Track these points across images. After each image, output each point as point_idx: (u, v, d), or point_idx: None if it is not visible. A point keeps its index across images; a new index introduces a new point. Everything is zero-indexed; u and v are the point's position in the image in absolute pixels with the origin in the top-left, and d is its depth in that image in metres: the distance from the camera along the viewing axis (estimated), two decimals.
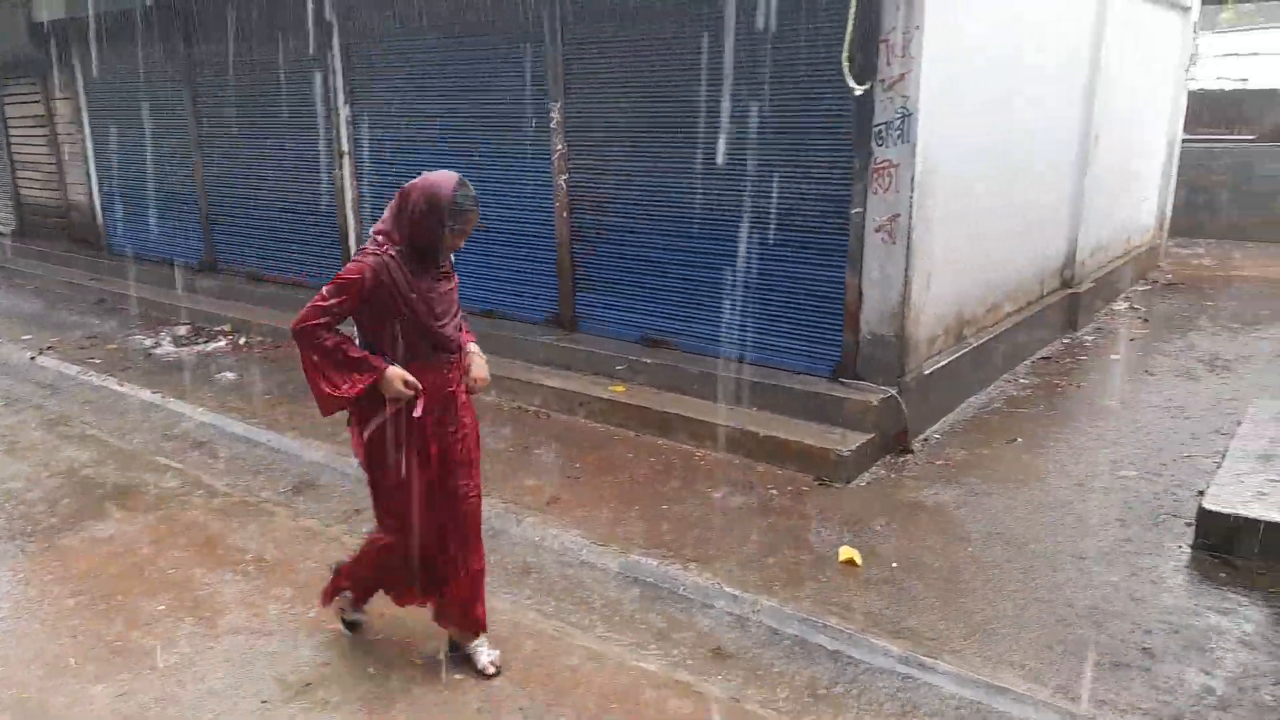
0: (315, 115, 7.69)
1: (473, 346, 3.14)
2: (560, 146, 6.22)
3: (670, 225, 5.83)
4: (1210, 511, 3.97)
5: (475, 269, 6.66)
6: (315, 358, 2.91)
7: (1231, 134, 13.50)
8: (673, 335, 5.90)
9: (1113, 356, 6.87)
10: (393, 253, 2.89)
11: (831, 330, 5.28)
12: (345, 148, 7.60)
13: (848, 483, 4.70)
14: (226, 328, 7.87)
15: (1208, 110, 14.04)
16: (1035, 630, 3.44)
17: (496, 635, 3.34)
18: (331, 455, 5.11)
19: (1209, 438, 5.17)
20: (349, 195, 7.70)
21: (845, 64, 4.90)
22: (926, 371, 5.34)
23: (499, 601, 3.61)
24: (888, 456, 4.99)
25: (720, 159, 5.52)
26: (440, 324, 2.99)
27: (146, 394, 6.28)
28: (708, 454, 5.07)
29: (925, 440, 5.25)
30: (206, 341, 7.61)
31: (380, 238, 2.94)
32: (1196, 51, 10.79)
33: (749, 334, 5.60)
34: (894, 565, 3.92)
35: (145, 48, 9.02)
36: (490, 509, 4.07)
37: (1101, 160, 7.56)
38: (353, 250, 7.71)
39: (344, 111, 7.52)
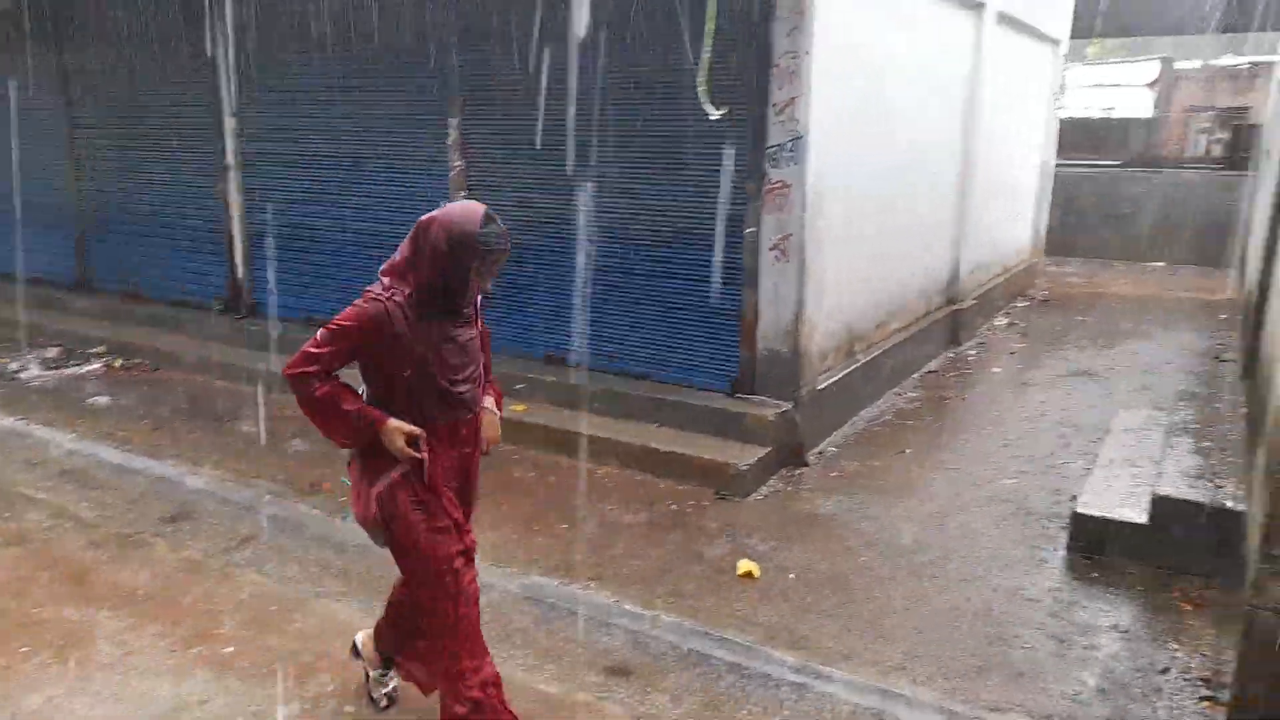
0: (200, 127, 7.39)
1: (489, 402, 2.83)
2: (459, 162, 6.16)
3: (573, 243, 5.83)
4: (1082, 515, 4.20)
5: (361, 289, 6.50)
6: (307, 407, 2.61)
7: (1099, 159, 14.41)
8: (575, 353, 5.89)
9: (994, 370, 7.21)
10: (399, 298, 2.55)
11: (729, 346, 5.37)
12: (231, 161, 7.32)
13: (747, 496, 4.78)
14: (101, 350, 7.44)
15: (1078, 137, 14.97)
16: (926, 635, 3.56)
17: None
18: (214, 482, 4.88)
19: (1082, 445, 5.47)
20: (235, 210, 7.42)
21: (701, 90, 5.05)
22: (820, 386, 5.48)
23: None
24: (785, 469, 5.10)
25: (619, 177, 5.57)
26: (455, 380, 2.65)
27: (8, 421, 5.88)
28: (610, 471, 5.07)
29: (820, 453, 5.39)
30: (79, 364, 7.18)
31: (387, 279, 2.59)
32: (1065, 82, 11.51)
33: (651, 351, 5.65)
34: (791, 576, 3.99)
35: (14, 54, 8.50)
36: None
37: (981, 183, 7.95)
38: (239, 269, 7.43)
39: (230, 123, 7.25)
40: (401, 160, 6.46)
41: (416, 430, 2.59)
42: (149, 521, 4.47)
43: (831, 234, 5.40)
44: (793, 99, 5.01)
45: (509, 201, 6.02)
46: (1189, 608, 3.71)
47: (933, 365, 7.16)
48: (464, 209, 2.54)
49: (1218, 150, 14.76)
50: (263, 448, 5.32)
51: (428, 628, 2.75)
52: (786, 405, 5.16)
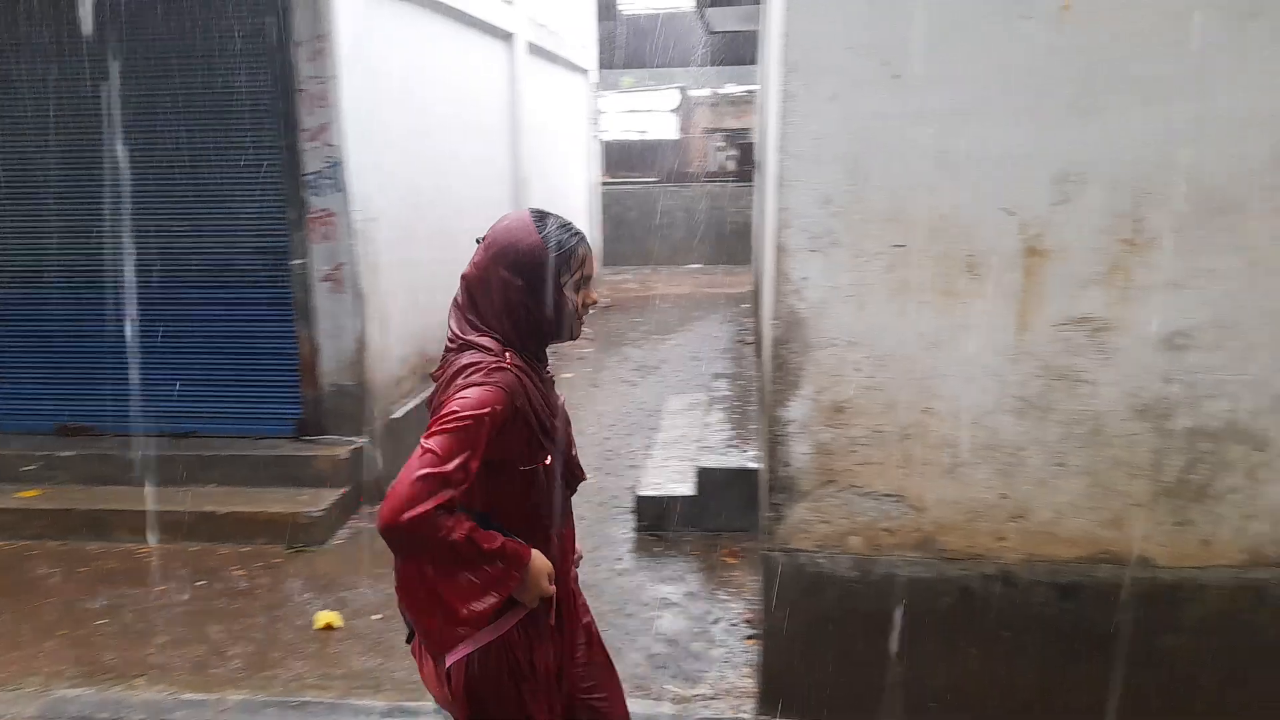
0: None
1: None
2: None
3: (97, 291, 5.01)
4: (643, 497, 4.61)
5: None
6: (432, 566, 1.78)
7: (640, 176, 16.10)
8: (100, 419, 5.07)
9: (566, 375, 7.67)
10: (518, 360, 1.81)
11: (289, 387, 5.01)
12: None
13: (324, 544, 4.50)
14: None
15: (620, 157, 16.58)
16: None
17: None
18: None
19: (645, 433, 6.02)
20: None
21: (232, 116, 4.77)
22: (397, 415, 5.36)
23: None
24: (366, 508, 4.90)
25: (148, 212, 4.91)
26: (571, 463, 2.01)
27: None
28: (158, 548, 4.45)
29: None
30: None
31: (484, 338, 1.82)
32: (601, 108, 12.70)
33: (199, 403, 5.06)
34: (376, 618, 3.82)
35: None
36: None
37: (534, 201, 8.41)
38: None
39: None
40: None
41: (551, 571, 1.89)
42: None
43: (390, 259, 5.31)
44: (325, 125, 4.83)
45: (7, 249, 5.03)
46: (733, 561, 4.24)
47: None
48: (509, 228, 1.87)
49: (732, 165, 17.32)
50: None
51: None
52: (361, 441, 4.96)
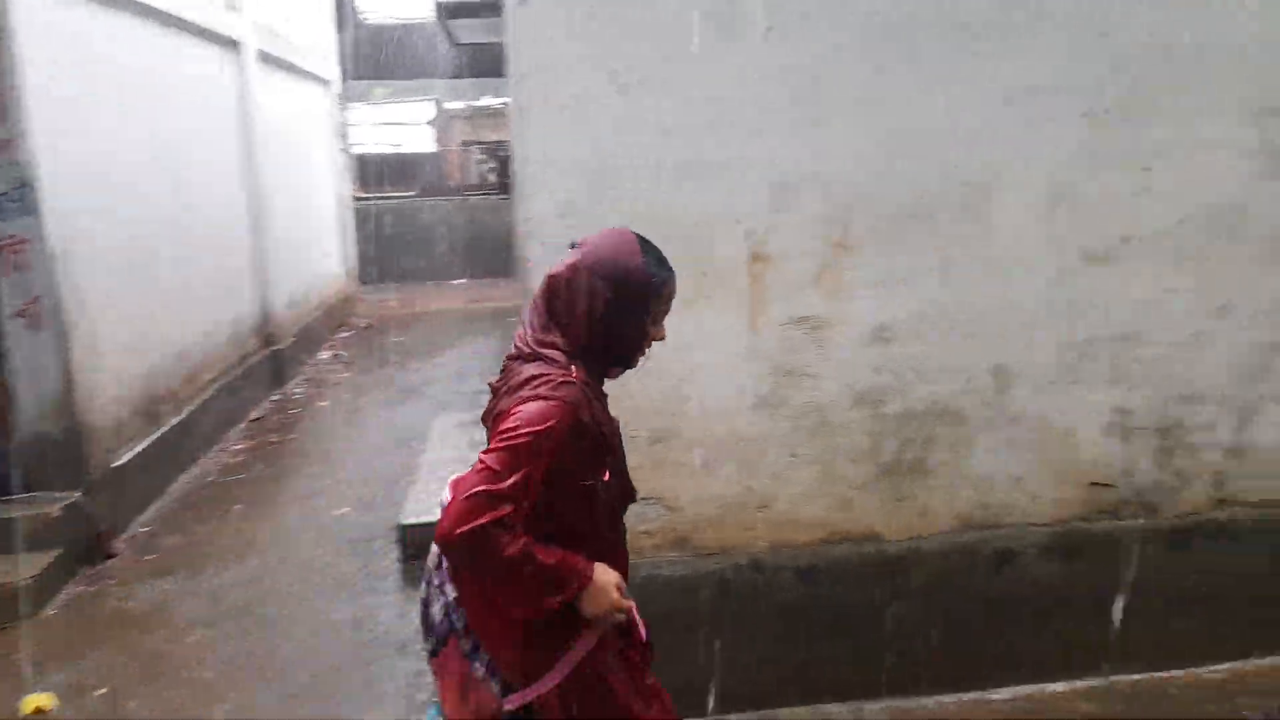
0: None
1: None
2: None
3: None
4: (408, 525, 4.42)
5: None
6: (492, 573, 1.68)
7: (399, 191, 15.58)
8: None
9: (321, 404, 7.24)
10: (578, 372, 1.76)
11: None
12: None
13: (36, 615, 3.93)
14: None
15: (377, 171, 15.97)
16: (289, 691, 3.35)
17: None
18: None
19: (410, 459, 5.78)
20: None
21: None
22: (120, 462, 4.81)
23: None
24: (85, 569, 4.34)
25: None
26: (627, 481, 1.96)
27: None
28: None
29: (132, 537, 4.73)
30: None
31: (553, 351, 1.78)
32: (350, 120, 12.16)
33: None
34: (101, 692, 3.39)
35: None
36: None
37: (278, 222, 7.87)
38: None
39: None
40: None
41: (623, 586, 1.83)
42: None
43: (105, 289, 4.77)
44: (9, 140, 4.24)
45: None
46: None
47: (258, 411, 6.87)
48: (613, 242, 1.83)
49: (493, 178, 17.18)
50: None
51: None
52: (74, 495, 4.38)
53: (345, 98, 13.75)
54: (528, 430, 1.65)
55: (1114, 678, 3.17)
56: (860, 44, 2.74)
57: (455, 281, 13.40)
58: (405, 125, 19.76)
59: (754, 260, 2.83)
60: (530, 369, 1.76)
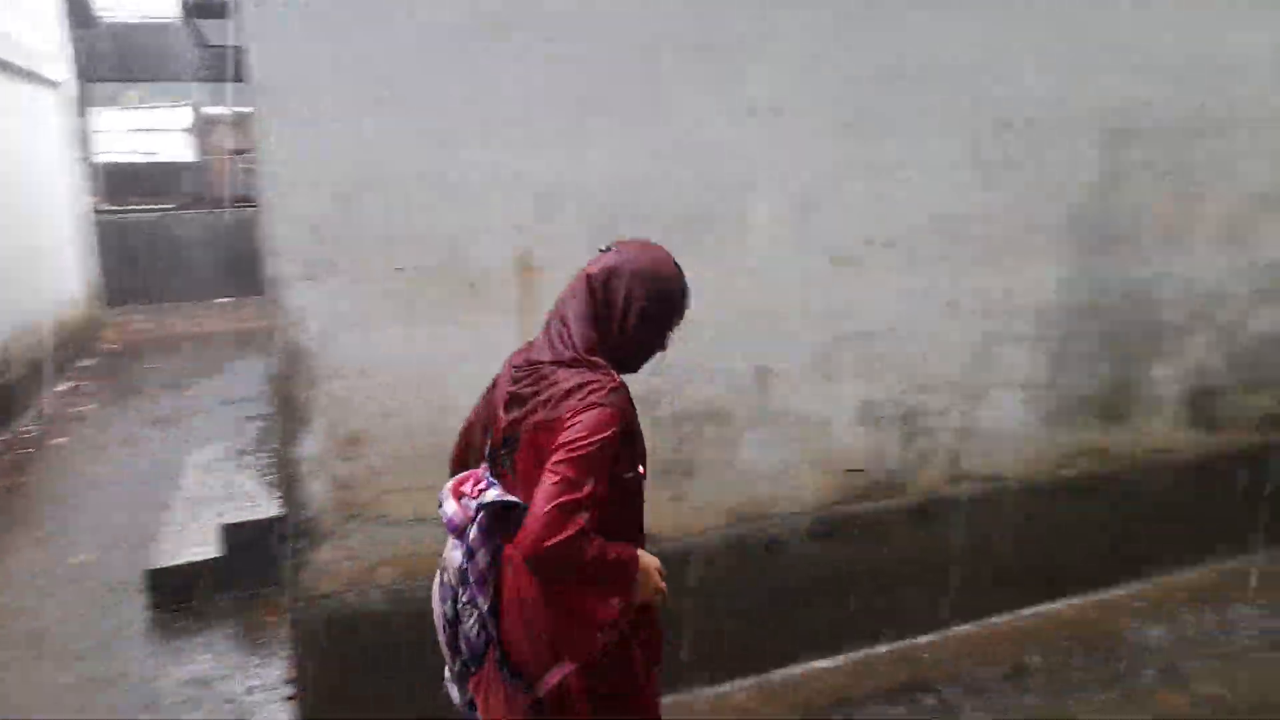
0: None
1: None
2: None
3: None
4: (159, 569, 4.01)
5: None
6: (579, 576, 1.73)
7: (154, 203, 14.22)
8: None
9: (59, 440, 6.44)
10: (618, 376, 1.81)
11: None
12: None
13: None
14: None
15: (127, 182, 14.51)
16: None
17: None
18: None
19: (161, 497, 5.25)
20: None
21: None
22: None
23: None
24: None
25: None
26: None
27: None
28: None
29: None
30: None
31: (592, 355, 1.82)
32: (94, 126, 10.94)
33: None
34: None
35: None
36: None
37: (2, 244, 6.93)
38: None
39: None
40: None
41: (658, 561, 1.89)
42: None
43: None
44: None
45: None
46: (273, 618, 3.88)
47: None
48: (652, 255, 1.90)
49: None
50: None
51: None
52: None
53: (86, 102, 12.41)
54: (596, 438, 1.70)
55: (868, 650, 3.43)
56: (621, 60, 2.79)
57: (218, 300, 12.40)
58: (162, 132, 18.13)
59: (523, 271, 2.80)
60: (573, 377, 1.79)
